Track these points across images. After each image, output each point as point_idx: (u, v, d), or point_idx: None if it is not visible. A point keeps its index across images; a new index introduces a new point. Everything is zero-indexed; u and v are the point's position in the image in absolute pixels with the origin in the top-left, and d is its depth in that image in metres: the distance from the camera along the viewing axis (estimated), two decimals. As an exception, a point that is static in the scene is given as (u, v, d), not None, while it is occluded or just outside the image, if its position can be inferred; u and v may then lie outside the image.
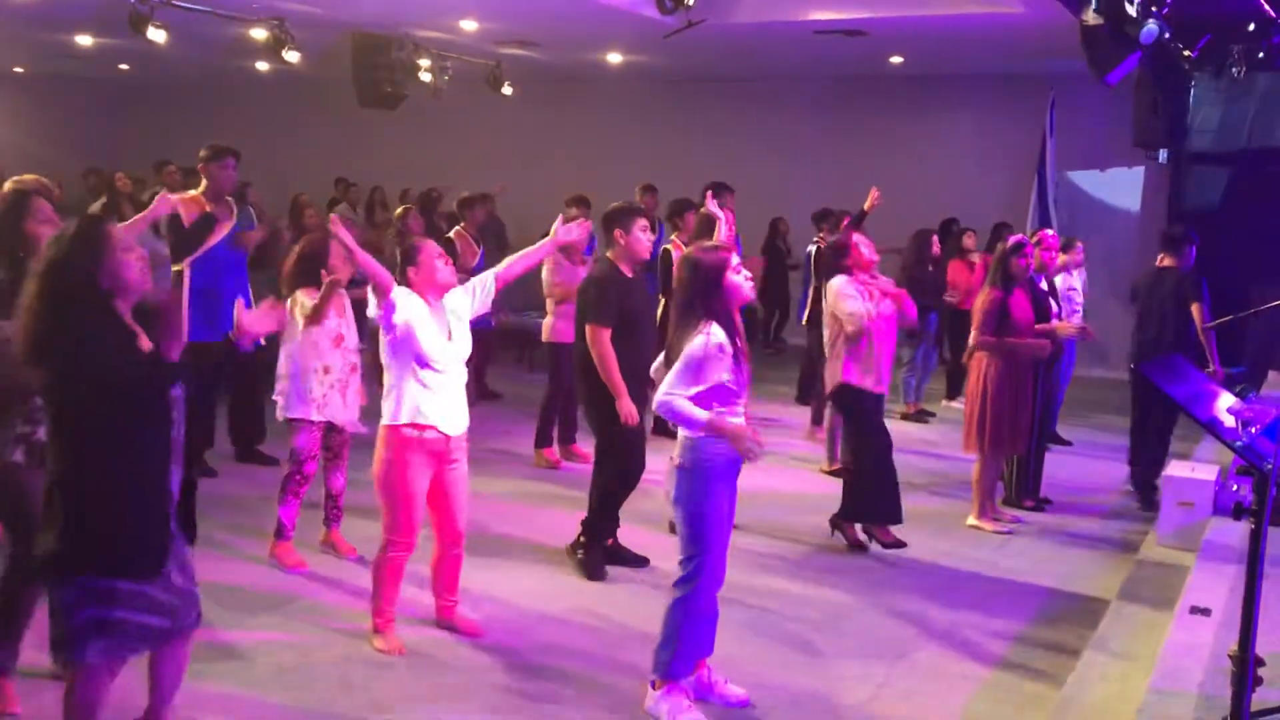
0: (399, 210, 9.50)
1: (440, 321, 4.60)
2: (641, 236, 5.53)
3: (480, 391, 9.44)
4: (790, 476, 7.86)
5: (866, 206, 7.56)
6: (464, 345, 4.68)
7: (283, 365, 5.57)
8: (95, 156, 15.04)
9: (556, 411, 7.85)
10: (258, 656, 4.55)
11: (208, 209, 6.62)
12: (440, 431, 4.55)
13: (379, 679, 4.41)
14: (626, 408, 5.41)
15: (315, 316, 5.36)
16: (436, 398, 4.53)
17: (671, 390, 3.93)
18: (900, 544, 6.18)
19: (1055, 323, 6.96)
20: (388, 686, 4.36)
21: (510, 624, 5.01)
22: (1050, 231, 7.85)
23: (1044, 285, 7.21)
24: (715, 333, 3.95)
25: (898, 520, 6.18)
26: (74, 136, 17.71)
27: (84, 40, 13.71)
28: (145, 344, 3.32)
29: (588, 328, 5.47)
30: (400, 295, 4.51)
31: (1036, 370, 6.76)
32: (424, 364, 4.50)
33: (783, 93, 14.64)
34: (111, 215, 4.88)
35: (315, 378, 5.45)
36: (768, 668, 4.67)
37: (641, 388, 5.42)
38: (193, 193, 6.84)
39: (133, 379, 3.18)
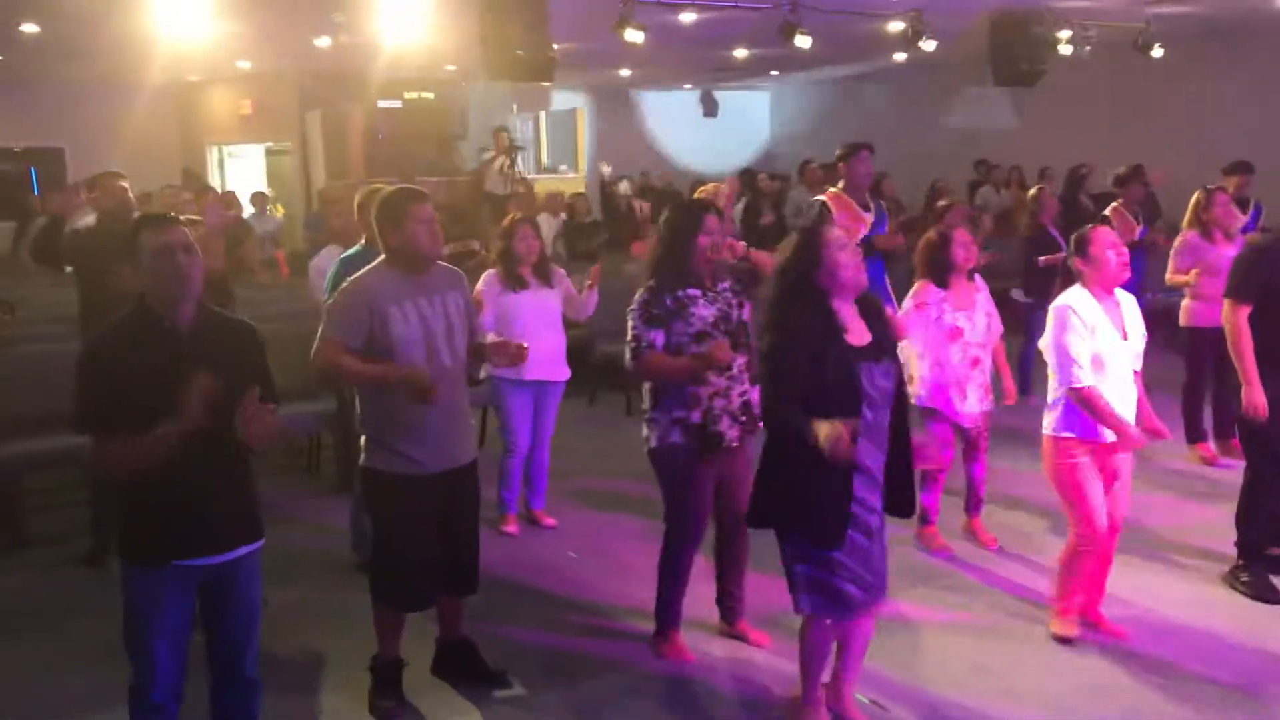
0: (1032, 190, 9.23)
1: (1115, 319, 4.40)
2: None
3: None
4: None
5: None
6: (1138, 343, 4.45)
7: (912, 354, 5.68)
8: (755, 159, 16.39)
9: (1202, 401, 7.15)
10: (895, 633, 4.68)
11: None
12: (1109, 440, 4.38)
13: (1015, 667, 4.40)
14: (1251, 398, 4.90)
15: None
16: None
17: None
18: None
19: None
20: (1023, 675, 4.33)
21: (1155, 629, 4.72)
22: None
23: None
24: None
25: None
26: (735, 142, 19.40)
27: (740, 53, 15.00)
28: (856, 338, 3.60)
29: (1225, 303, 5.04)
30: (1074, 299, 4.38)
31: None
32: (1097, 369, 4.33)
33: None
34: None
35: (936, 371, 5.50)
36: None
37: None
38: (832, 189, 7.22)
39: (826, 368, 3.50)
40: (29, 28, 11.19)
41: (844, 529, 3.55)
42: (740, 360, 4.28)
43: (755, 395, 4.27)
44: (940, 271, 5.50)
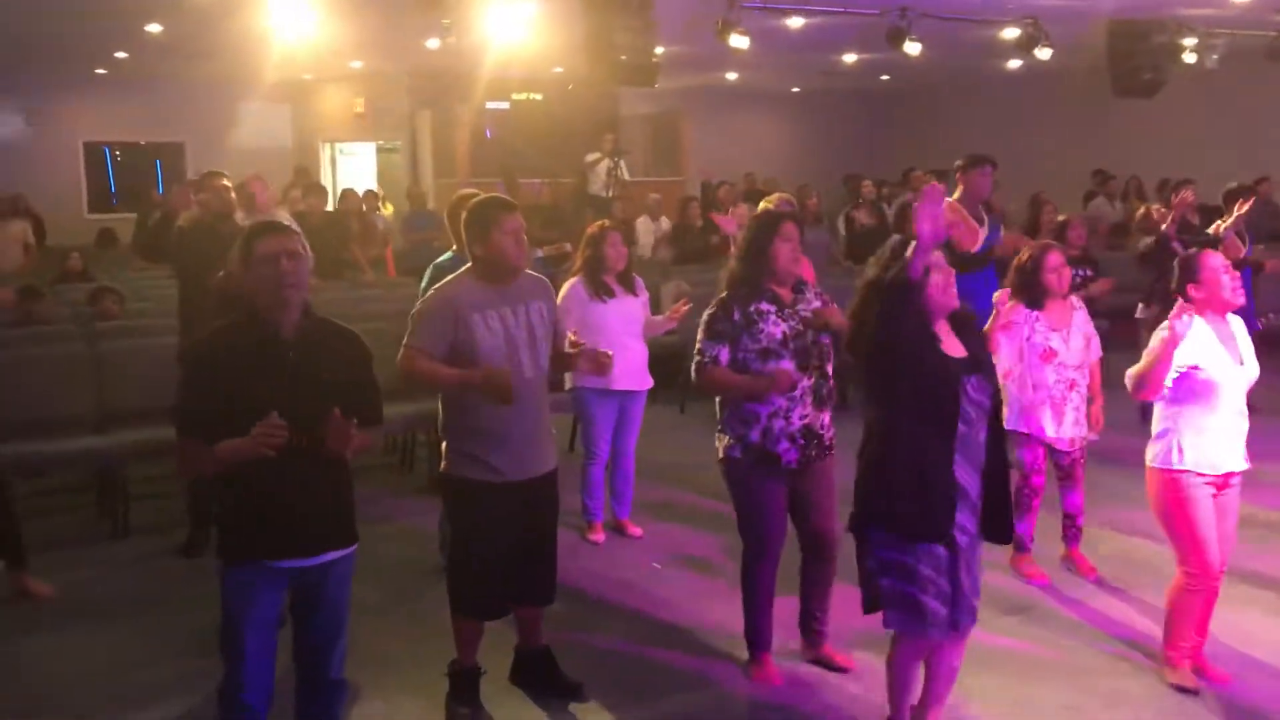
0: (1140, 210, 8.89)
1: (1230, 345, 4.18)
2: None
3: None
4: None
5: None
6: (1253, 371, 4.22)
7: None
8: (857, 164, 16.15)
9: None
10: (985, 665, 4.50)
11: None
12: (1220, 472, 4.16)
13: (1108, 708, 4.21)
14: None
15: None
16: (1213, 439, 4.13)
17: None
18: None
19: None
20: (1116, 717, 4.14)
21: (1262, 676, 4.46)
22: None
23: None
24: None
25: None
26: (837, 147, 19.22)
27: (848, 57, 14.79)
28: (952, 349, 3.51)
29: None
30: (1186, 325, 4.11)
31: None
32: (1206, 400, 4.12)
33: None
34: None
35: (1028, 393, 5.32)
36: None
37: None
38: (949, 199, 7.04)
39: (927, 373, 3.42)
40: (153, 28, 11.58)
41: (950, 519, 3.43)
42: (805, 382, 4.17)
43: (819, 419, 4.23)
44: (1032, 295, 5.31)
